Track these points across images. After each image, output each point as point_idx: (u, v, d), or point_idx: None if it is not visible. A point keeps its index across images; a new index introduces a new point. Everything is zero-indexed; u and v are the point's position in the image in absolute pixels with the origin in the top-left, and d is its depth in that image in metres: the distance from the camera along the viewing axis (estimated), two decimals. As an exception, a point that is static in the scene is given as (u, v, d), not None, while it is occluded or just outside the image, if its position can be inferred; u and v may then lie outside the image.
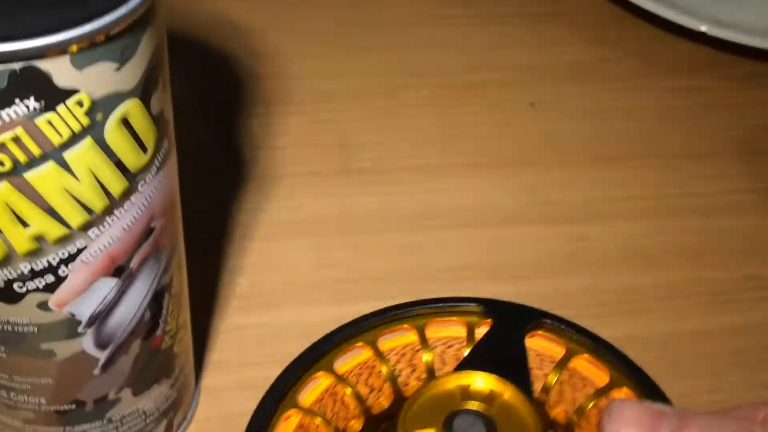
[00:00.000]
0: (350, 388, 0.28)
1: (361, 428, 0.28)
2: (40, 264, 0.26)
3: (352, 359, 0.29)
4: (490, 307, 0.31)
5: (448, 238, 0.46)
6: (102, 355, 0.29)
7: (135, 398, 0.32)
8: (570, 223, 0.47)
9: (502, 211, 0.47)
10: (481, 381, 0.26)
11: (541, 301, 0.35)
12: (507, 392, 0.26)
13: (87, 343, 0.28)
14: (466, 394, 0.26)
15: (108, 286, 0.28)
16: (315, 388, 0.28)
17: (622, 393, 0.28)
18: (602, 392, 0.29)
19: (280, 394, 0.27)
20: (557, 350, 0.30)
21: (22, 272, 0.26)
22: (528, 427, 0.25)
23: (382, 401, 0.30)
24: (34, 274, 0.26)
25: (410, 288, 0.41)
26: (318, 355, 0.28)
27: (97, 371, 0.30)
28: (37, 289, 0.26)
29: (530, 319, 0.30)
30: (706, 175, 0.50)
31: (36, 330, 0.27)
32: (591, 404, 0.28)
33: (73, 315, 0.27)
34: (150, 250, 0.28)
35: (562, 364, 0.29)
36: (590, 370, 0.30)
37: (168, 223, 0.29)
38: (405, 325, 0.30)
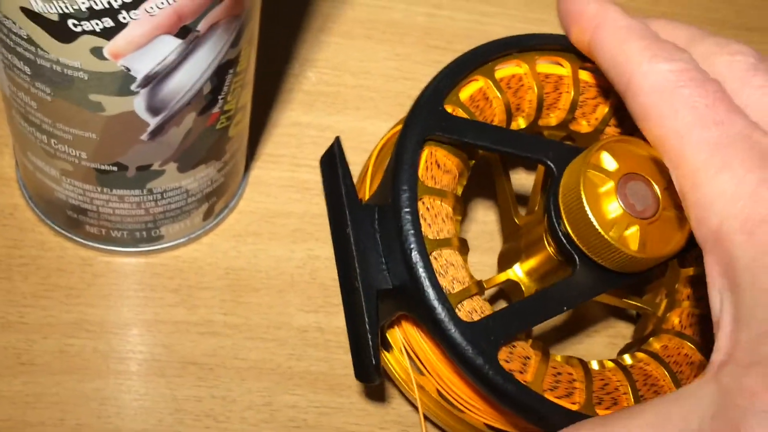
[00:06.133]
0: (536, 87, 0.31)
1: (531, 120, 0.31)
2: (100, 3, 0.23)
3: (550, 66, 0.31)
4: None
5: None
6: (152, 121, 0.27)
7: (179, 174, 0.30)
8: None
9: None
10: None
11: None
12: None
13: (138, 104, 0.26)
14: (652, 165, 0.27)
15: (170, 45, 0.25)
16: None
17: None
18: None
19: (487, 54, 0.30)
20: None
21: (80, 8, 0.23)
22: (674, 240, 0.27)
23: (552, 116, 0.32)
24: (92, 14, 0.23)
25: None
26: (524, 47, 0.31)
27: (144, 137, 0.27)
28: (93, 32, 0.23)
29: None
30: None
31: (86, 77, 0.25)
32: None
33: (128, 69, 0.25)
34: (221, 16, 0.25)
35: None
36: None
37: (247, -11, 0.26)
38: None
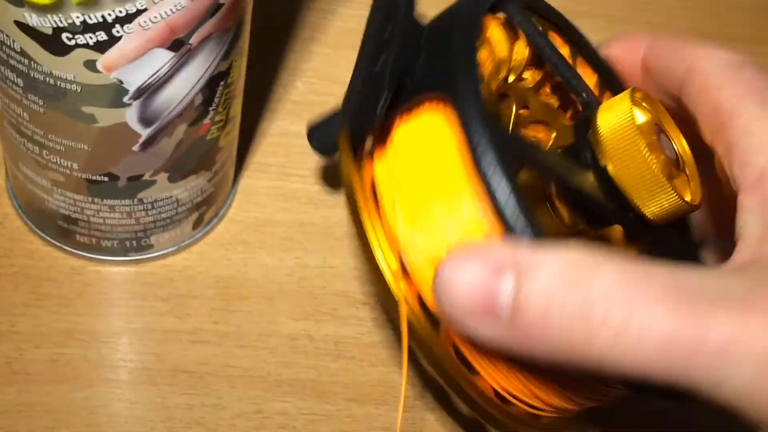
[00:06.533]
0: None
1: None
2: (94, 18, 0.23)
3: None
4: None
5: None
6: (144, 132, 0.27)
7: (170, 184, 0.30)
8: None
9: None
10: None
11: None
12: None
13: (131, 115, 0.26)
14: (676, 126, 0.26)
15: (163, 58, 0.25)
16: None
17: None
18: None
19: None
20: None
21: (74, 23, 0.23)
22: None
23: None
24: (86, 28, 0.23)
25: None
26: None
27: (136, 148, 0.28)
28: (86, 45, 0.24)
29: None
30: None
31: (79, 89, 0.25)
32: None
33: (120, 82, 0.25)
34: (213, 29, 0.25)
35: None
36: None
37: (237, 2, 0.26)
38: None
